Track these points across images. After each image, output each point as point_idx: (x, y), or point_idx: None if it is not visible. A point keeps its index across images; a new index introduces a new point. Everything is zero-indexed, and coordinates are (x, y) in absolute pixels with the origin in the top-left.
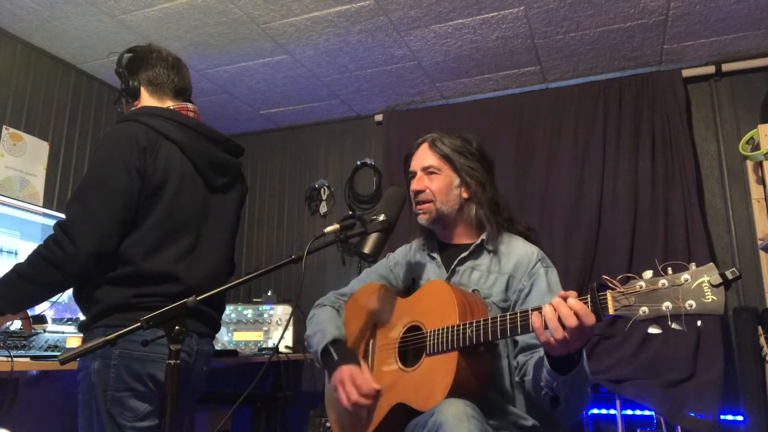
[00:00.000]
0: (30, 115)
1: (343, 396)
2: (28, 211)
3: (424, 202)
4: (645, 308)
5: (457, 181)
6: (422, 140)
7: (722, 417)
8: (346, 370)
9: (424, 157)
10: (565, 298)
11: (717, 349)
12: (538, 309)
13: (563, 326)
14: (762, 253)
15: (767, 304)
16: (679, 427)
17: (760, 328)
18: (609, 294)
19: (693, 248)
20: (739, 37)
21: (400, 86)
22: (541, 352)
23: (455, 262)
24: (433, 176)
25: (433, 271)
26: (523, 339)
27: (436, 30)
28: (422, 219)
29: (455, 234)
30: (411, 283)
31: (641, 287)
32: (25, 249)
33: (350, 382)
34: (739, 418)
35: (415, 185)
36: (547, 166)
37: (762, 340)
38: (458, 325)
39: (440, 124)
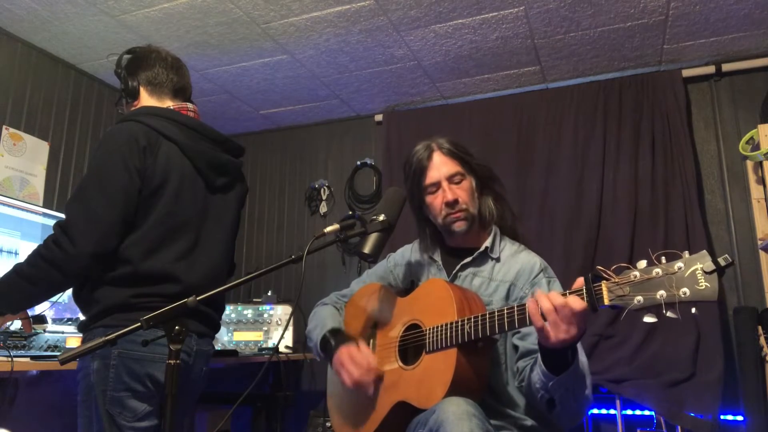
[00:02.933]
0: (30, 115)
1: (345, 376)
2: (28, 211)
3: (461, 211)
4: (640, 297)
5: (475, 181)
6: (428, 151)
7: (722, 417)
8: (344, 351)
9: (444, 164)
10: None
11: (717, 349)
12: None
13: (555, 310)
14: (762, 253)
15: (767, 304)
16: (679, 427)
17: (760, 328)
18: (604, 284)
19: (693, 248)
20: (739, 37)
21: (400, 86)
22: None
23: (457, 267)
24: (460, 183)
25: (433, 275)
26: (523, 345)
27: (436, 30)
28: (460, 226)
29: (466, 235)
30: (410, 285)
31: (635, 277)
32: (25, 249)
33: (349, 362)
34: (739, 418)
35: (449, 195)
36: (547, 165)
37: (762, 340)
38: (456, 321)
39: (440, 124)
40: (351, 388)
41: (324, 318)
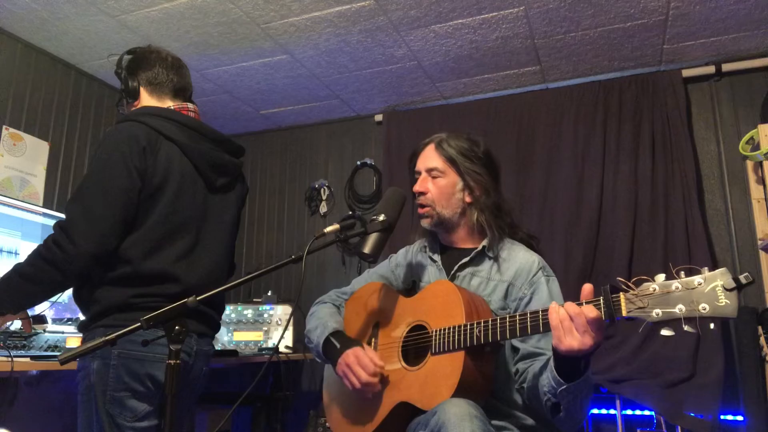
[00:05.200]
0: (30, 115)
1: (353, 379)
2: (28, 211)
3: (424, 205)
4: (658, 311)
5: (460, 184)
6: (429, 140)
7: (722, 417)
8: (350, 354)
9: (429, 158)
10: (580, 303)
11: (717, 349)
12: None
13: (570, 318)
14: (762, 253)
15: (767, 304)
16: (679, 427)
17: (760, 328)
18: (622, 296)
19: (693, 248)
20: (739, 37)
21: (400, 86)
22: (542, 359)
23: (455, 268)
24: (436, 179)
25: (433, 274)
26: (524, 347)
27: (436, 30)
28: (424, 223)
29: (457, 238)
30: (411, 285)
31: (654, 290)
32: (26, 249)
33: (356, 364)
34: (739, 418)
35: (417, 186)
36: (547, 166)
37: (762, 340)
38: (465, 325)
39: (440, 124)
40: (356, 392)
41: (324, 317)
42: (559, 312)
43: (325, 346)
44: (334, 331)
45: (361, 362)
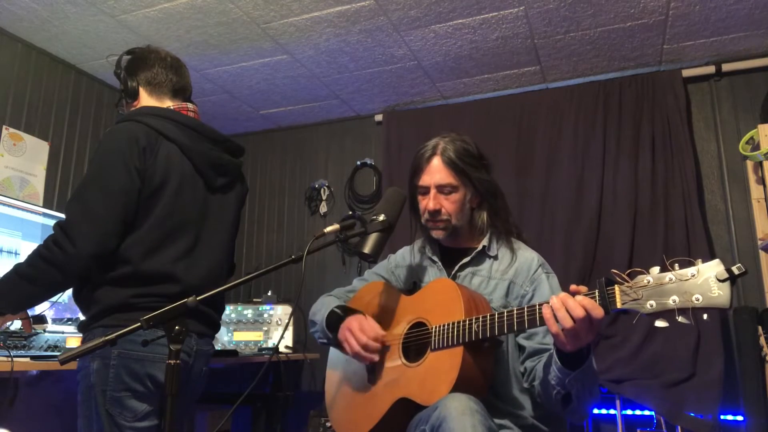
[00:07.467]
0: (30, 115)
1: (353, 342)
2: (28, 211)
3: (440, 221)
4: (652, 302)
5: (470, 194)
6: (431, 153)
7: (722, 417)
8: (353, 319)
9: (438, 173)
10: (573, 294)
11: (717, 349)
12: (547, 302)
13: (572, 317)
14: (762, 253)
15: (767, 304)
16: (679, 427)
17: (760, 328)
18: (617, 288)
19: (693, 248)
20: (739, 37)
21: (400, 86)
22: (548, 355)
23: (456, 268)
24: (449, 195)
25: (434, 275)
26: (530, 345)
27: (436, 30)
28: (438, 235)
29: (460, 239)
30: (412, 286)
31: (648, 282)
32: (26, 249)
33: (358, 328)
34: (739, 418)
35: (431, 205)
36: (547, 166)
37: (762, 340)
38: (464, 320)
39: (440, 124)
40: (355, 356)
41: (329, 302)
42: (561, 318)
43: (329, 319)
44: (338, 305)
45: (362, 327)
